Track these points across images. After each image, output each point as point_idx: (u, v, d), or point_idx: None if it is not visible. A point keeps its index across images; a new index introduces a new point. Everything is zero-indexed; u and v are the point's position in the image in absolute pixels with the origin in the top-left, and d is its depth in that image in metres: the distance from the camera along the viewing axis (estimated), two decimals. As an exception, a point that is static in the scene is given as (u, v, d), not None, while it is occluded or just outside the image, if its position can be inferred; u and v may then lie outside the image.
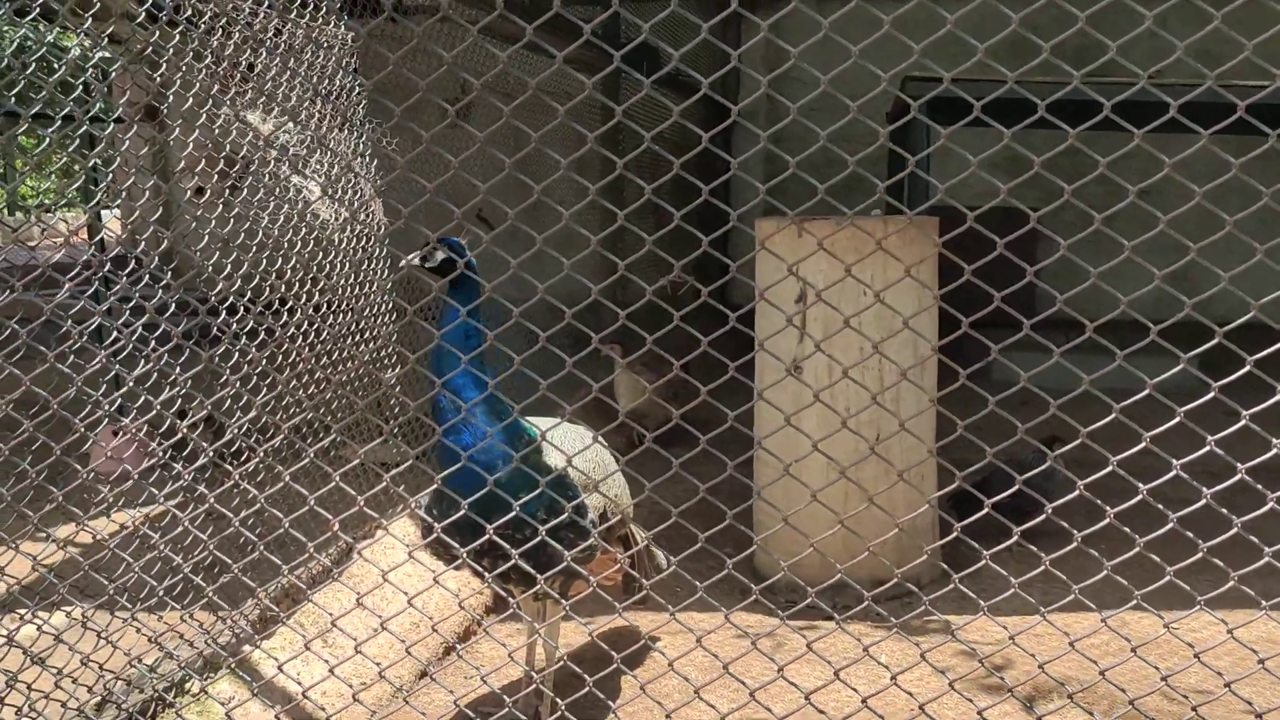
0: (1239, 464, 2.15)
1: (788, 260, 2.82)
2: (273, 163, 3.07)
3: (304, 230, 3.20)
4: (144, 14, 3.09)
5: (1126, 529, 2.29)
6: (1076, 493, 2.24)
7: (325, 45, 3.19)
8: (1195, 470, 2.21)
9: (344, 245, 3.37)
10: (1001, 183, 2.44)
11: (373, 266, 3.63)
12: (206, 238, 2.88)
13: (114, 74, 5.31)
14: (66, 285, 2.60)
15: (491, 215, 5.79)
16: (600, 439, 2.87)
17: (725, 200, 10.04)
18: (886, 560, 3.39)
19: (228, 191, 3.32)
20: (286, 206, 3.16)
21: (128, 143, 5.85)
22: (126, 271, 2.87)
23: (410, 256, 2.64)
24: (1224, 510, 2.23)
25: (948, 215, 5.15)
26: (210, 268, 2.79)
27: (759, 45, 10.60)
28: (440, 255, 2.62)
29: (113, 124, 5.79)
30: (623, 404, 5.83)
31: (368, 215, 3.37)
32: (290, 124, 3.06)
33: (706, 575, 2.63)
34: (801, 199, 3.01)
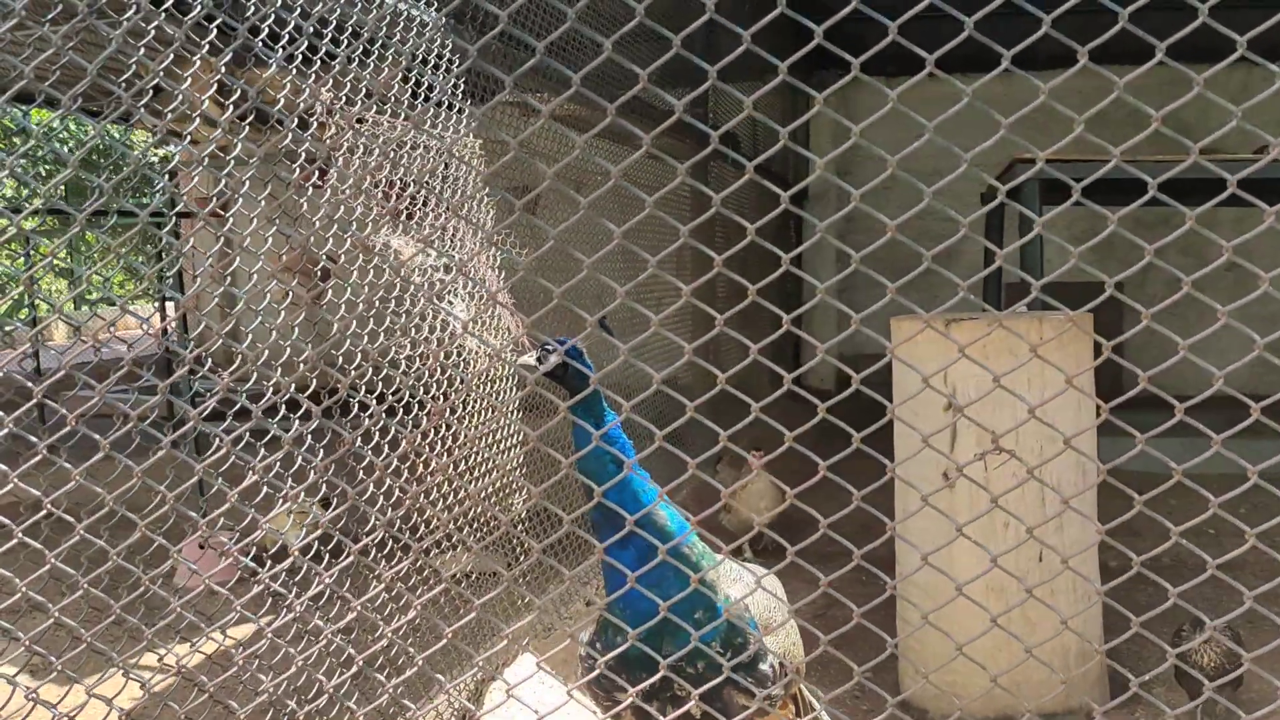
0: None
1: (931, 364, 2.67)
2: (414, 289, 2.98)
3: (446, 356, 3.10)
4: (229, 113, 3.05)
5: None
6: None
7: (459, 157, 3.13)
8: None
9: (481, 368, 3.25)
10: (1085, 259, 2.30)
11: (502, 386, 3.51)
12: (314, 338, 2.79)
13: (180, 171, 5.35)
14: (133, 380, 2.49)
15: (613, 322, 5.68)
16: (771, 578, 2.59)
17: (799, 286, 9.95)
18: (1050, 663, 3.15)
19: (319, 296, 3.25)
20: (430, 333, 3.06)
21: (192, 240, 5.87)
22: (194, 371, 2.77)
23: (522, 359, 2.48)
24: None
25: (1044, 301, 5.08)
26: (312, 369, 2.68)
27: (828, 121, 10.57)
28: (554, 359, 2.40)
29: (174, 219, 5.78)
30: (757, 516, 5.30)
31: (504, 335, 3.26)
32: (434, 248, 2.99)
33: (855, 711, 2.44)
34: (875, 286, 2.88)
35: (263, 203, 2.97)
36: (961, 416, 3.01)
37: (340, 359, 2.71)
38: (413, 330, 2.98)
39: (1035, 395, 2.72)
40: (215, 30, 2.61)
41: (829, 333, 10.17)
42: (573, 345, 2.46)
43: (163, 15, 2.42)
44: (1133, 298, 2.13)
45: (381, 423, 2.65)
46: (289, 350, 2.86)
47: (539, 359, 2.42)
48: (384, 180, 2.92)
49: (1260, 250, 2.07)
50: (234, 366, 2.61)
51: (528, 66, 1.98)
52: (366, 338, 2.79)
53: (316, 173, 3.23)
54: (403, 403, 2.94)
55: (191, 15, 2.38)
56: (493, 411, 3.35)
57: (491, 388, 3.40)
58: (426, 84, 3.02)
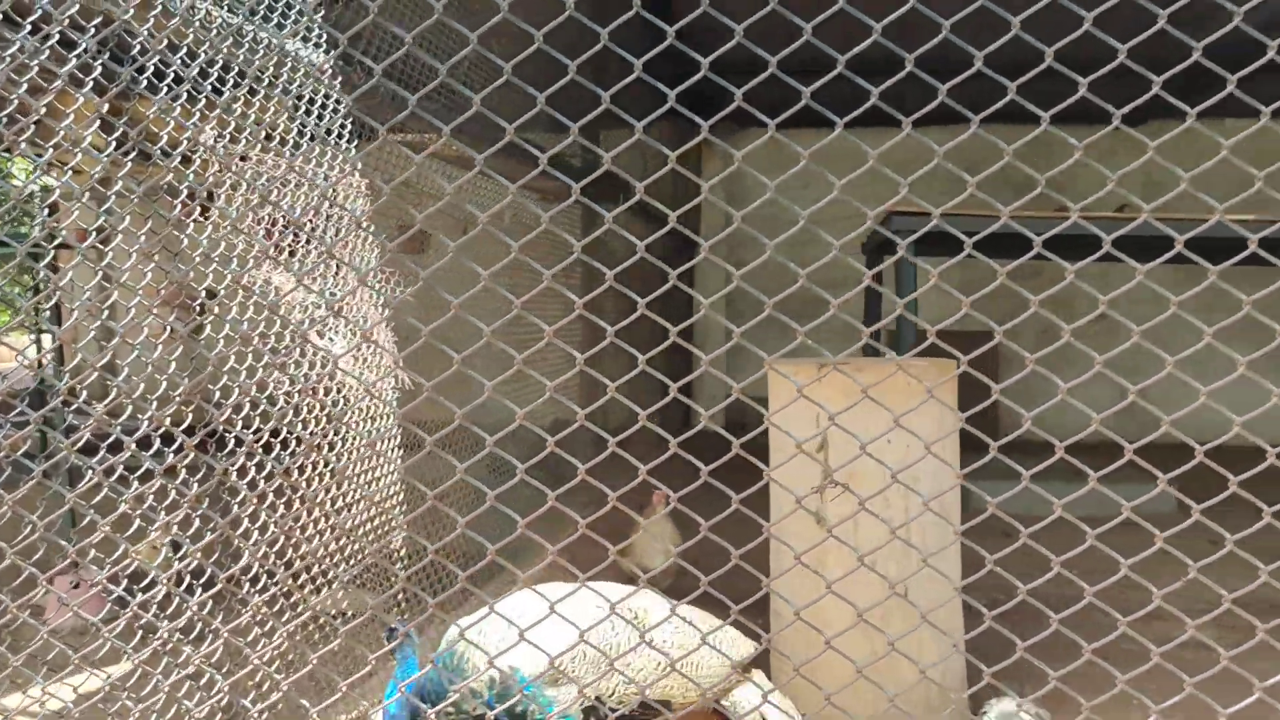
0: (1225, 593, 2.22)
1: (806, 408, 2.85)
2: (293, 324, 3.04)
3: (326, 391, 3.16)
4: (112, 146, 3.09)
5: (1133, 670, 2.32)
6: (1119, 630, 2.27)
7: (334, 198, 3.21)
8: (1178, 601, 2.26)
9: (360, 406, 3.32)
10: (956, 306, 2.53)
11: (382, 423, 3.57)
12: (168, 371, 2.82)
13: (61, 204, 5.29)
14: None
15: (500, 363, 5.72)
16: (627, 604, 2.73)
17: (690, 332, 10.17)
18: (913, 713, 3.33)
19: (197, 330, 3.27)
20: (308, 368, 3.11)
21: (70, 273, 5.78)
22: (68, 403, 2.79)
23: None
24: (1212, 644, 2.29)
25: (918, 343, 5.40)
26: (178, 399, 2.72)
27: (717, 170, 10.91)
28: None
29: (52, 252, 5.73)
30: (653, 561, 5.29)
31: (381, 371, 3.33)
32: (312, 285, 3.04)
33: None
34: (763, 328, 3.07)
35: (143, 237, 3.00)
36: (828, 464, 3.21)
37: (217, 393, 2.76)
38: (291, 365, 3.05)
39: (899, 444, 2.90)
40: (100, 67, 2.66)
41: (720, 372, 10.37)
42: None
43: (46, 54, 2.47)
44: (1007, 347, 2.35)
45: (257, 456, 2.69)
46: (165, 384, 2.90)
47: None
48: (265, 217, 2.99)
49: (1119, 303, 2.32)
50: (108, 399, 2.64)
51: (400, 117, 2.10)
52: (244, 372, 2.85)
53: (198, 208, 3.28)
54: (279, 437, 2.99)
55: (76, 54, 2.44)
56: (370, 448, 3.41)
57: (371, 424, 3.47)
58: (312, 123, 3.10)
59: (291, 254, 2.95)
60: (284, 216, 2.89)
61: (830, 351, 2.57)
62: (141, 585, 2.68)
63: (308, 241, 2.94)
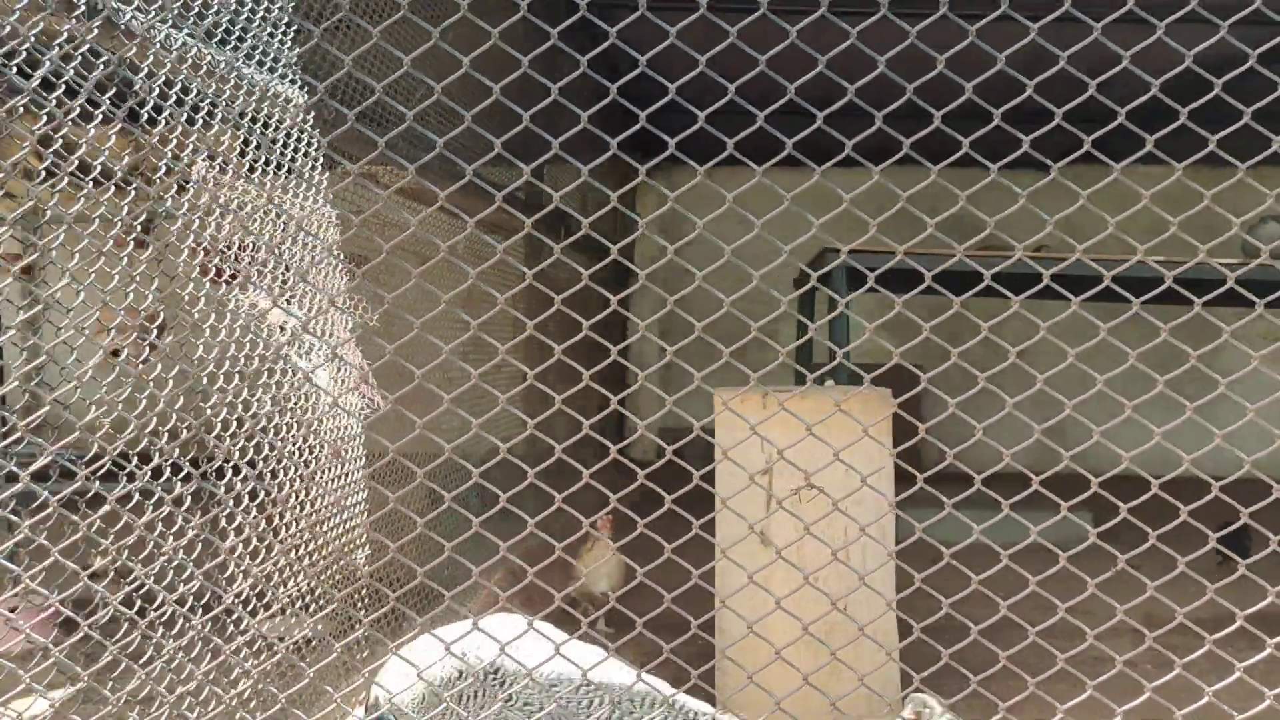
0: (1119, 605, 2.47)
1: (749, 426, 2.99)
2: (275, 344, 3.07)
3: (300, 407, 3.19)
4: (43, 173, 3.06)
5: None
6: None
7: (313, 229, 3.26)
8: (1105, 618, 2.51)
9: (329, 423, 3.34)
10: (888, 344, 2.72)
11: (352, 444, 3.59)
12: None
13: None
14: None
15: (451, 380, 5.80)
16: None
17: (626, 353, 10.32)
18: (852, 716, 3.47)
19: (146, 351, 3.29)
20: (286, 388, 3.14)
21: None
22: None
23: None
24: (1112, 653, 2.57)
25: (844, 379, 5.60)
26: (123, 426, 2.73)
27: (652, 204, 11.12)
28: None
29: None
30: (598, 587, 5.39)
31: (360, 398, 3.36)
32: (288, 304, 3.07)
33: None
34: (698, 357, 3.20)
35: (80, 261, 3.01)
36: (779, 475, 3.35)
37: (174, 419, 2.78)
38: (271, 385, 3.09)
39: (841, 468, 3.07)
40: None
41: (652, 408, 10.53)
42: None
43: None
44: (932, 379, 2.51)
45: (217, 482, 2.73)
46: (113, 410, 2.91)
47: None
48: (219, 242, 3.03)
49: (1042, 339, 2.51)
50: (48, 427, 2.65)
51: (371, 156, 2.19)
52: (217, 394, 2.88)
53: (140, 230, 3.29)
54: (249, 459, 3.03)
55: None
56: (336, 457, 3.45)
57: (345, 453, 3.51)
58: (278, 152, 3.16)
59: (245, 278, 2.99)
60: (242, 241, 2.94)
61: (770, 381, 2.71)
62: (88, 610, 2.69)
63: (270, 266, 3.00)
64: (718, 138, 2.44)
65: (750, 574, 2.55)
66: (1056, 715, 2.46)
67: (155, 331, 3.34)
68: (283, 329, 3.08)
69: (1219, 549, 3.52)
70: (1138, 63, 2.32)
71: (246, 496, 3.01)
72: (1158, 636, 2.66)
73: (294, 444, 3.12)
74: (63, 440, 2.63)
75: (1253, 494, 2.59)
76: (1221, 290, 2.51)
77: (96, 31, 2.69)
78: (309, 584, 3.27)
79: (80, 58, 2.61)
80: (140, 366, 3.21)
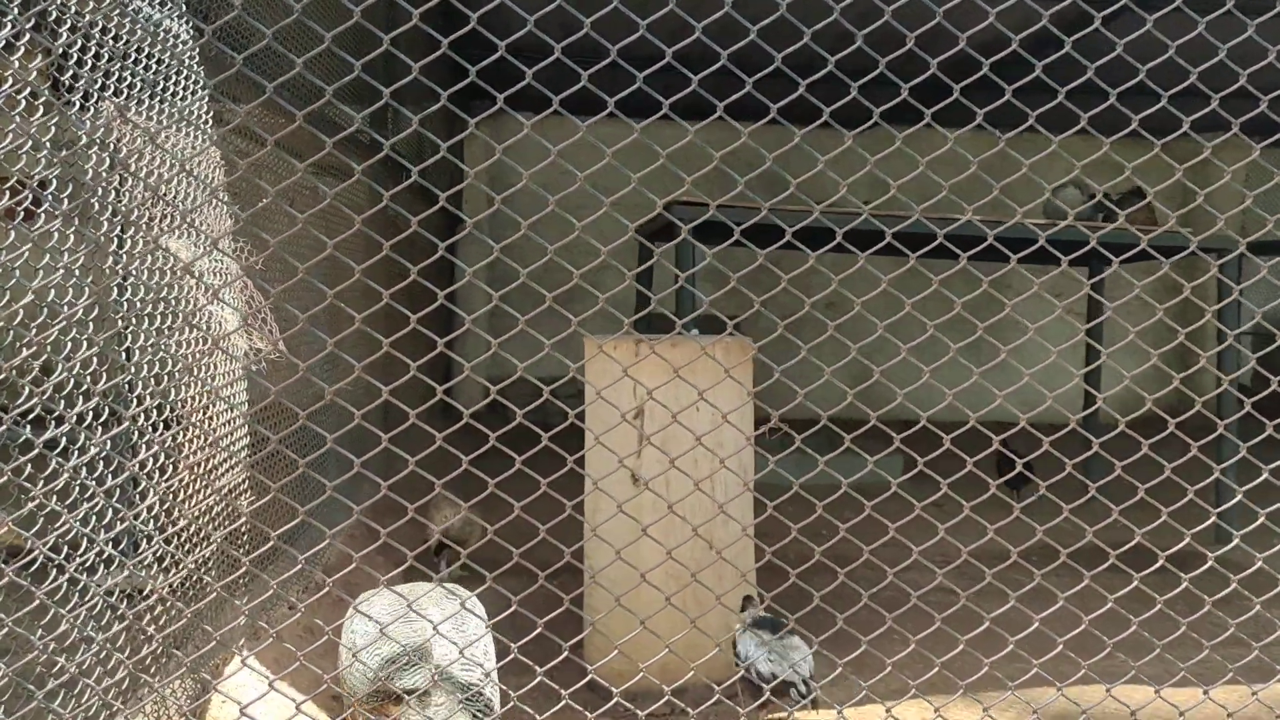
0: (914, 546, 2.88)
1: (621, 372, 3.22)
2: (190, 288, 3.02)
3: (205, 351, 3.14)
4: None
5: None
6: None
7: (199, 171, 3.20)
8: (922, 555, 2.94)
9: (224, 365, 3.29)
10: (706, 293, 3.01)
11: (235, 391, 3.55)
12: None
13: None
14: None
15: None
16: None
17: (453, 303, 10.32)
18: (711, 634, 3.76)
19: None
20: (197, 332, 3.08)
21: None
22: None
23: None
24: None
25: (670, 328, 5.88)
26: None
27: (480, 152, 11.11)
28: None
29: None
30: (457, 530, 5.56)
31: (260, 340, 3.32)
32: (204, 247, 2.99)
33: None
34: (525, 305, 3.37)
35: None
36: (645, 429, 3.63)
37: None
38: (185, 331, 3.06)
39: (706, 410, 3.38)
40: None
41: (479, 356, 10.62)
42: None
43: None
44: (748, 331, 2.79)
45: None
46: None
47: None
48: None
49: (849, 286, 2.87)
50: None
51: (259, 101, 2.25)
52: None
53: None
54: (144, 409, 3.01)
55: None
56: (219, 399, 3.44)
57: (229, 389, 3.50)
58: (169, 92, 3.12)
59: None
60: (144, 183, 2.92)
61: (596, 328, 2.90)
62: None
63: (168, 208, 2.97)
64: (557, 84, 2.54)
65: (620, 504, 2.79)
66: (885, 624, 2.86)
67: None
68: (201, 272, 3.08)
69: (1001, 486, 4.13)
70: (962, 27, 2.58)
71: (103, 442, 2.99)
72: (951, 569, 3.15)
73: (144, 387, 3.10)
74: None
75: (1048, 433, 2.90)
76: (1032, 249, 2.88)
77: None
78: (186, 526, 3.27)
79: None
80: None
